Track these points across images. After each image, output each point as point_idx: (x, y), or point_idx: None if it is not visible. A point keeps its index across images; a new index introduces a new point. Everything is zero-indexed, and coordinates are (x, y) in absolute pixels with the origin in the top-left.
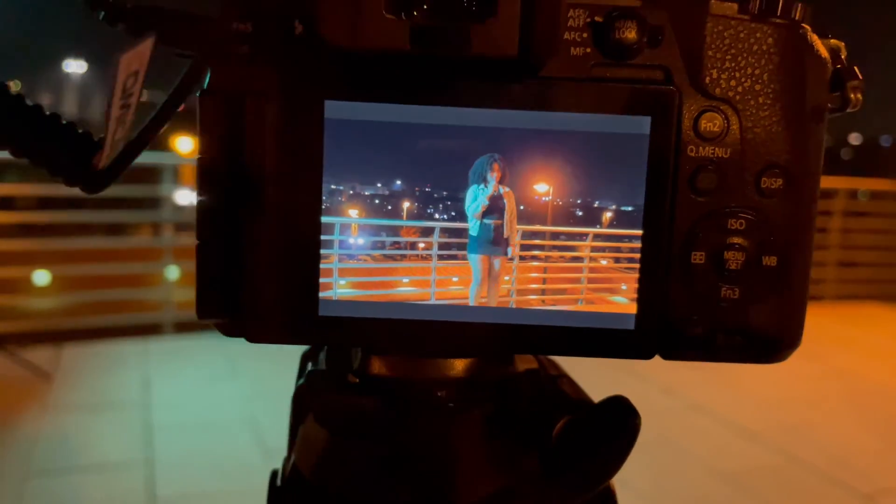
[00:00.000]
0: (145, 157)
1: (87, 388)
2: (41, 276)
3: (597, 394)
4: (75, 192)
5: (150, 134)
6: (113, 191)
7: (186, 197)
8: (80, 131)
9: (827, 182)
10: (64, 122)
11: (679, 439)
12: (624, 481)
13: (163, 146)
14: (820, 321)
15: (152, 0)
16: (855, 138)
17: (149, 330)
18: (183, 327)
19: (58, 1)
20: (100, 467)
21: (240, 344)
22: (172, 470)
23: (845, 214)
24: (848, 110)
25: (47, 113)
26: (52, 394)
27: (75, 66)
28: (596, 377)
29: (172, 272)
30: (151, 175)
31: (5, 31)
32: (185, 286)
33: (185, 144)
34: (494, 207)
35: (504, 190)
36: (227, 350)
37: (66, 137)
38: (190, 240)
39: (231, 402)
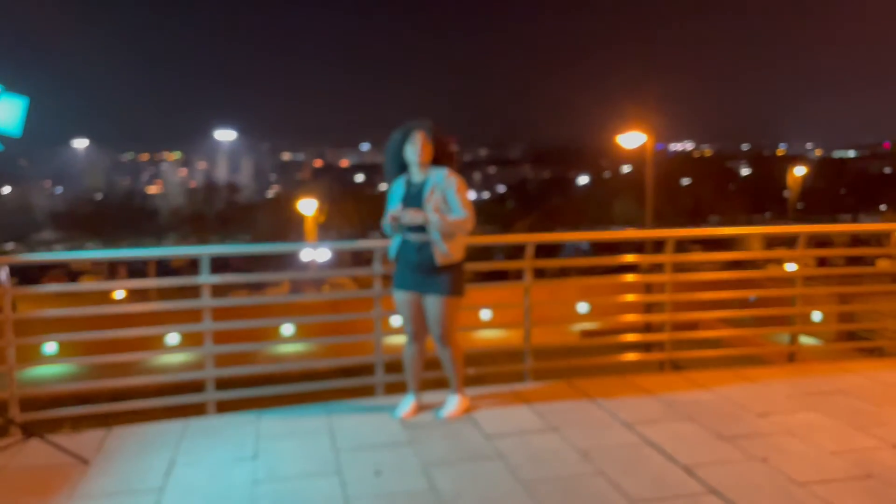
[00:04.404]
0: (185, 251)
1: (115, 473)
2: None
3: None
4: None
5: None
6: (157, 282)
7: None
8: None
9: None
10: None
11: None
12: None
13: (289, 208)
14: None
15: None
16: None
17: (191, 410)
18: (224, 406)
19: (206, 75)
20: None
21: (270, 423)
22: None
23: None
24: None
25: None
26: (84, 480)
27: (224, 135)
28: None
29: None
30: (192, 267)
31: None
32: (223, 368)
33: (306, 206)
34: None
35: None
36: (256, 429)
37: None
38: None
39: (239, 487)
